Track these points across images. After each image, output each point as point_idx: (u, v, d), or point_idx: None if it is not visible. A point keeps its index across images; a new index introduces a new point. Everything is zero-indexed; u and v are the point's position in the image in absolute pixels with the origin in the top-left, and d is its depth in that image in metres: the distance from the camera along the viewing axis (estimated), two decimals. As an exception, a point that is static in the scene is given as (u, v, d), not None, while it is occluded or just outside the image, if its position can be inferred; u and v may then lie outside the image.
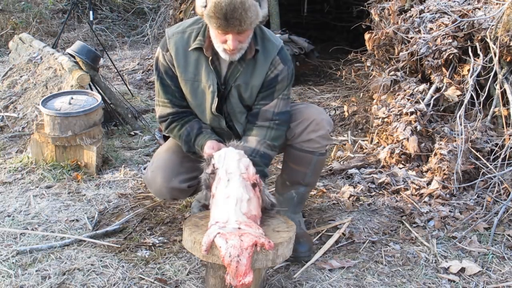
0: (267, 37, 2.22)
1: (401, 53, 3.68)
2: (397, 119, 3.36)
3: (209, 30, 2.12)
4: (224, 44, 2.05)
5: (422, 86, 3.46)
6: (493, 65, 3.17)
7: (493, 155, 2.99)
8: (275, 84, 2.23)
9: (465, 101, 3.21)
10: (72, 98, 3.42)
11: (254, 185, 2.03)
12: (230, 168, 2.00)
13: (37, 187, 3.11)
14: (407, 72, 3.72)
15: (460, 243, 2.51)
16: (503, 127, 3.14)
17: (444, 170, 2.95)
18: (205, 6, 1.97)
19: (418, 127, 3.22)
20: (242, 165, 2.01)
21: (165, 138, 2.53)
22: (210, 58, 2.16)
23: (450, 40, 3.39)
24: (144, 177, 2.61)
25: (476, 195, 2.89)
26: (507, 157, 2.91)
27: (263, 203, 2.07)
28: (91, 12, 5.72)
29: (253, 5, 1.93)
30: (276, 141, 2.28)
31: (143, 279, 2.24)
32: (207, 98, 2.23)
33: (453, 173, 2.91)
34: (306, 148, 2.35)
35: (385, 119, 3.47)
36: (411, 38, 3.62)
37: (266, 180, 2.37)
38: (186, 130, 2.28)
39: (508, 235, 2.57)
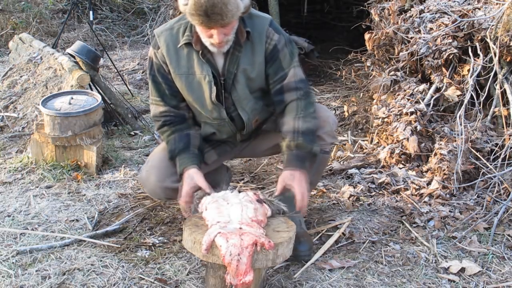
0: (255, 15, 2.23)
1: (401, 53, 3.68)
2: (397, 119, 3.36)
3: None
4: (211, 39, 2.06)
5: (422, 86, 3.46)
6: (493, 65, 3.17)
7: (493, 155, 2.99)
8: (278, 54, 2.23)
9: (465, 101, 3.20)
10: (72, 98, 3.42)
11: (260, 201, 2.06)
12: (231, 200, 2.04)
13: (37, 187, 3.11)
14: (407, 72, 3.72)
15: (460, 243, 2.51)
16: (503, 127, 3.14)
17: (444, 170, 2.95)
18: (187, 4, 1.97)
19: (418, 127, 3.22)
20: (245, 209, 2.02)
21: (165, 138, 2.53)
22: (201, 51, 2.17)
23: (450, 40, 3.39)
24: (139, 177, 2.61)
25: (476, 195, 2.88)
26: (507, 157, 2.91)
27: (272, 213, 2.10)
28: (91, 12, 5.72)
29: None
30: (309, 108, 2.24)
31: (143, 279, 2.23)
32: (204, 89, 2.23)
33: (453, 173, 2.91)
34: None
35: (385, 119, 3.47)
36: (411, 38, 3.62)
37: (316, 158, 2.25)
38: (174, 139, 2.28)
39: (508, 235, 2.57)
